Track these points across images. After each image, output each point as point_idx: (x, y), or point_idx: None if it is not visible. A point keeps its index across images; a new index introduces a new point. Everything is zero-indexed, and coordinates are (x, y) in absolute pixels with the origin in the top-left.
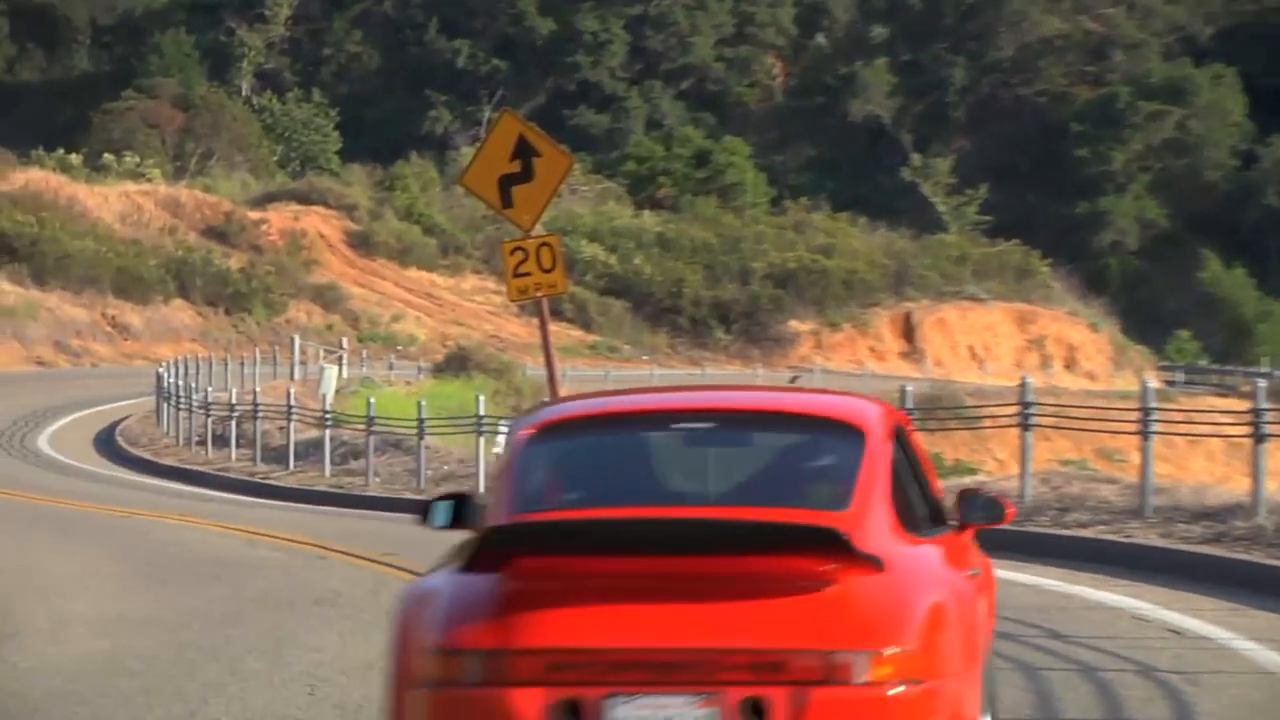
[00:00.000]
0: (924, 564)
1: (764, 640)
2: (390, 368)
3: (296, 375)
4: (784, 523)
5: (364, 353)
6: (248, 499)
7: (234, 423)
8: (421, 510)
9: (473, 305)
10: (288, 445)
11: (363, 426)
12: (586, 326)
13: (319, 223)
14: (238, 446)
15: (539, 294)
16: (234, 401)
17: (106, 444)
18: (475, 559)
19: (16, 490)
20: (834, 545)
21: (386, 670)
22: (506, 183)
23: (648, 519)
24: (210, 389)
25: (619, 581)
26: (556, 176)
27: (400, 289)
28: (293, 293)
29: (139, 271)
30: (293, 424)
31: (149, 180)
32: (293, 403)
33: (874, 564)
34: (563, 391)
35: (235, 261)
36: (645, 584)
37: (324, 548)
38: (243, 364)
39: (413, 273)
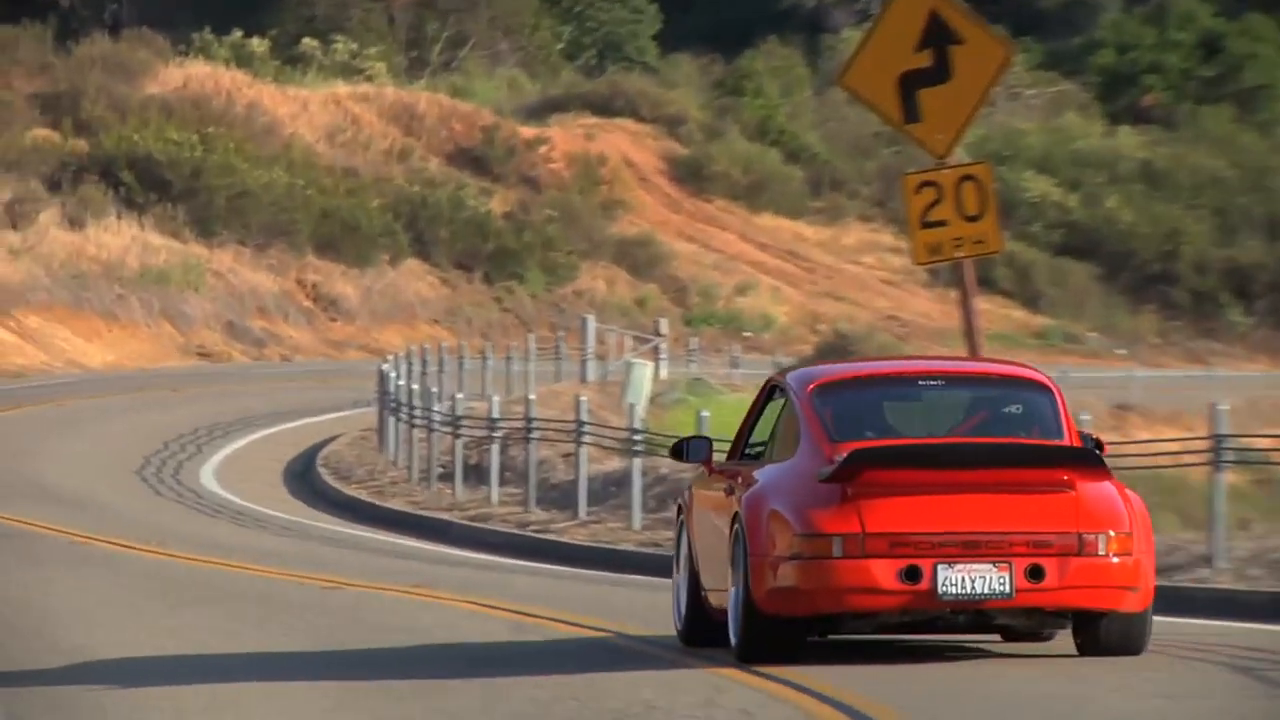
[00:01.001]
0: (1113, 476)
1: (1039, 525)
2: (734, 364)
3: (591, 376)
4: (1054, 445)
5: (693, 342)
6: (515, 562)
7: (495, 447)
8: (677, 450)
9: (859, 270)
10: (577, 481)
11: None
12: (1032, 304)
13: (626, 144)
14: (501, 483)
15: (959, 254)
16: (495, 415)
17: (302, 478)
18: (836, 473)
19: (168, 548)
20: (1088, 461)
21: (746, 549)
22: (910, 84)
23: (959, 443)
24: (460, 396)
25: (936, 486)
26: (987, 75)
27: (749, 245)
28: (586, 250)
29: (354, 218)
30: (585, 450)
31: (369, 80)
32: (585, 417)
33: (1109, 473)
34: None
35: (499, 203)
36: (954, 488)
37: (626, 635)
38: (509, 358)
39: (768, 220)
